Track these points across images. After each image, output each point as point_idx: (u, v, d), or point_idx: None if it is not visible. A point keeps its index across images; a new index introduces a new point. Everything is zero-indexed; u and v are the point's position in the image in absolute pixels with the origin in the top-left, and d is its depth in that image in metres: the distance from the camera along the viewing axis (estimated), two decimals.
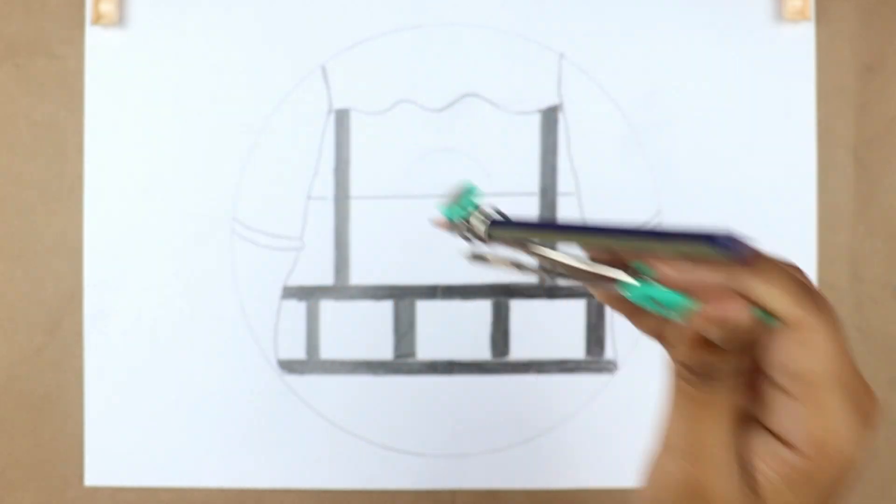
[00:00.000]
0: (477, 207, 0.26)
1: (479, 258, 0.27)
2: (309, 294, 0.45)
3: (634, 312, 0.27)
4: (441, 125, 0.45)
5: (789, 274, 0.26)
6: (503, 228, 0.26)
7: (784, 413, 0.25)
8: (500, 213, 0.26)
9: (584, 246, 0.26)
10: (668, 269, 0.25)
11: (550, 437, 0.45)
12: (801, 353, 0.24)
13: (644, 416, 0.45)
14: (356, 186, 0.45)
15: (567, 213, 0.45)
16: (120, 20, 0.44)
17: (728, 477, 0.25)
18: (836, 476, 0.24)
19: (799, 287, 0.25)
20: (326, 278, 0.45)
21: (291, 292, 0.45)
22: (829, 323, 0.25)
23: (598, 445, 0.45)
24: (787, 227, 0.44)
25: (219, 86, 0.45)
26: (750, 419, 0.26)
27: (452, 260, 0.45)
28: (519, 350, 0.45)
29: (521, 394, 0.45)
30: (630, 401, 0.45)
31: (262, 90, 0.45)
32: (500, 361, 0.45)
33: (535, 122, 0.45)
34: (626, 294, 0.25)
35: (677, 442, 0.27)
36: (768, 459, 0.25)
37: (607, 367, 0.45)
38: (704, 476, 0.26)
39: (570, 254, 0.26)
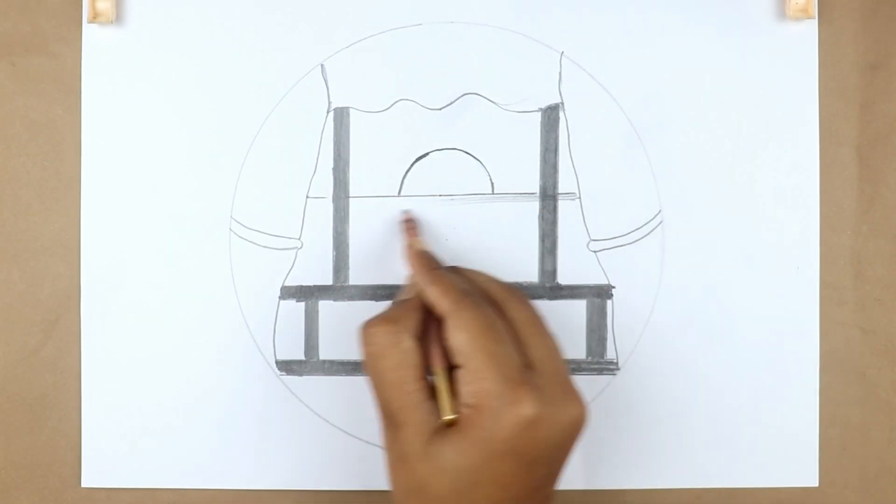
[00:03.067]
0: None
1: None
2: (308, 294, 0.45)
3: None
4: (441, 124, 0.45)
5: (447, 281, 0.37)
6: None
7: (458, 380, 0.35)
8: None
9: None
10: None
11: None
12: (452, 334, 0.35)
13: (646, 418, 0.45)
14: (355, 186, 0.45)
15: (568, 212, 0.44)
16: (117, 18, 0.44)
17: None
18: (494, 426, 0.33)
19: (449, 289, 0.37)
20: (325, 278, 0.45)
21: (290, 292, 0.45)
22: (471, 313, 0.35)
23: (599, 446, 0.44)
24: (790, 227, 0.44)
25: (217, 84, 0.44)
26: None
27: (452, 260, 0.44)
28: None
29: None
30: (631, 402, 0.44)
31: (261, 88, 0.45)
32: None
33: (536, 120, 0.45)
34: None
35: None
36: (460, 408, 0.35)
37: (608, 368, 0.44)
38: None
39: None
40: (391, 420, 0.36)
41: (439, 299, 0.37)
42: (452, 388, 0.36)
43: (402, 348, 0.36)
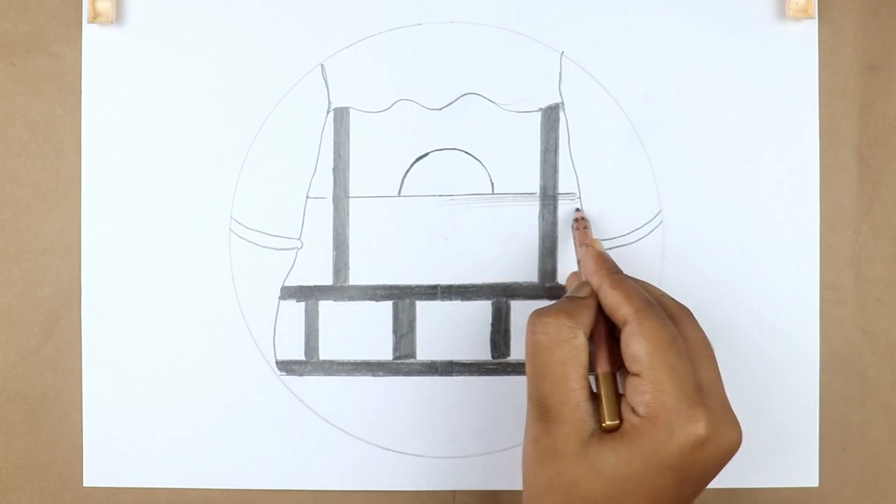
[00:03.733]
0: None
1: None
2: (308, 294, 0.45)
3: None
4: (441, 124, 0.45)
5: (630, 286, 0.37)
6: None
7: (630, 387, 0.35)
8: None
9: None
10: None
11: None
12: (632, 341, 0.34)
13: None
14: (355, 186, 0.45)
15: (568, 212, 0.44)
16: (117, 18, 0.44)
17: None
18: (666, 440, 0.33)
19: (632, 295, 0.36)
20: (325, 278, 0.45)
21: (290, 292, 0.45)
22: (655, 323, 0.35)
23: None
24: (790, 227, 0.44)
25: (217, 84, 0.44)
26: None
27: (452, 260, 0.44)
28: (520, 351, 0.45)
29: (522, 395, 0.44)
30: None
31: (261, 88, 0.45)
32: (500, 362, 0.45)
33: (536, 120, 0.45)
34: None
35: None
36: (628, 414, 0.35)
37: None
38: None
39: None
40: (546, 413, 0.35)
41: (621, 304, 0.36)
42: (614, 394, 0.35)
43: (574, 344, 0.35)
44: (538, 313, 0.36)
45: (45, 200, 0.45)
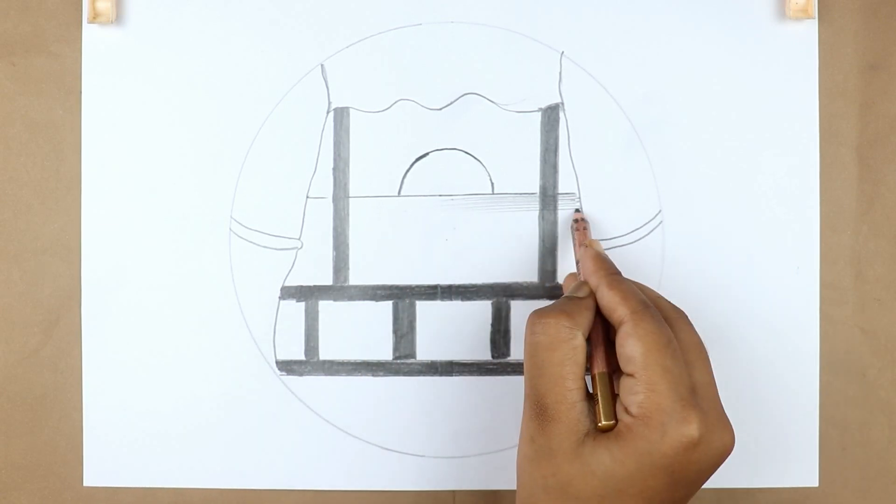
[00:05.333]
0: None
1: None
2: (308, 294, 0.45)
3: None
4: (441, 124, 0.45)
5: (627, 287, 0.37)
6: None
7: (624, 388, 0.35)
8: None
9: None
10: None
11: None
12: (628, 342, 0.35)
13: None
14: (355, 186, 0.45)
15: (568, 212, 0.44)
16: (117, 18, 0.44)
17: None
18: (659, 441, 0.33)
19: (629, 296, 0.36)
20: (325, 278, 0.45)
21: (290, 292, 0.45)
22: (650, 325, 0.35)
23: None
24: (790, 227, 0.44)
25: (217, 84, 0.44)
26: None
27: (452, 260, 0.44)
28: (519, 351, 0.45)
29: (522, 395, 0.45)
30: None
31: (261, 88, 0.45)
32: (500, 362, 0.45)
33: (536, 120, 0.45)
34: None
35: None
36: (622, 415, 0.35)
37: None
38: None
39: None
40: (542, 413, 0.35)
41: (618, 305, 0.36)
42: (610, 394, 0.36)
43: (572, 345, 0.35)
44: (538, 313, 0.36)
45: (45, 200, 0.45)
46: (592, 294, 0.38)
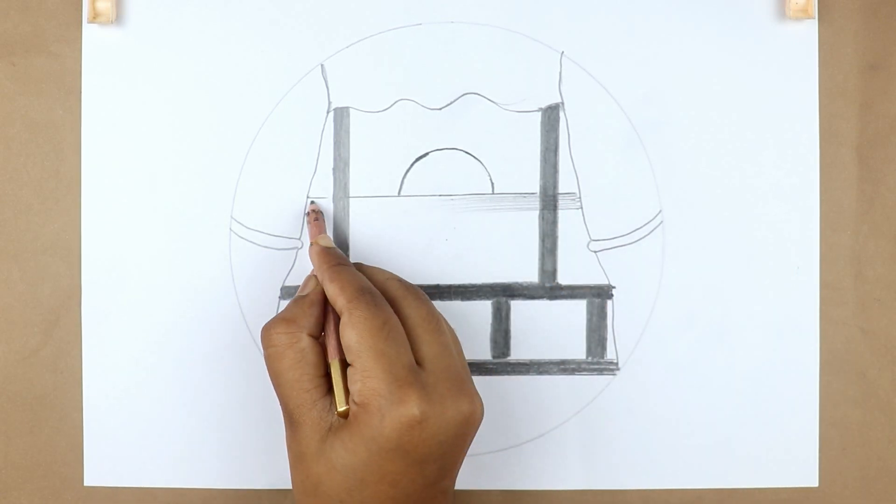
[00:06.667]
0: None
1: None
2: None
3: None
4: (441, 124, 0.45)
5: (345, 277, 0.37)
6: None
7: (349, 377, 0.35)
8: None
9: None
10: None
11: (551, 438, 0.45)
12: (344, 332, 0.35)
13: (645, 418, 0.45)
14: (355, 186, 0.45)
15: (568, 212, 0.44)
16: (117, 18, 0.44)
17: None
18: (380, 425, 0.33)
19: (345, 286, 0.37)
20: None
21: (290, 292, 0.45)
22: (364, 312, 0.35)
23: (599, 447, 0.44)
24: (790, 227, 0.44)
25: (217, 84, 0.44)
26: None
27: (452, 260, 0.44)
28: (519, 351, 0.45)
29: (522, 395, 0.45)
30: (631, 402, 0.44)
31: (261, 88, 0.45)
32: (500, 362, 0.45)
33: (536, 120, 0.45)
34: None
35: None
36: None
37: (609, 368, 0.44)
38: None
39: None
40: (290, 419, 0.37)
41: (337, 296, 0.37)
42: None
43: (298, 348, 0.36)
44: (265, 326, 0.38)
45: (45, 200, 0.45)
46: (319, 288, 0.39)
